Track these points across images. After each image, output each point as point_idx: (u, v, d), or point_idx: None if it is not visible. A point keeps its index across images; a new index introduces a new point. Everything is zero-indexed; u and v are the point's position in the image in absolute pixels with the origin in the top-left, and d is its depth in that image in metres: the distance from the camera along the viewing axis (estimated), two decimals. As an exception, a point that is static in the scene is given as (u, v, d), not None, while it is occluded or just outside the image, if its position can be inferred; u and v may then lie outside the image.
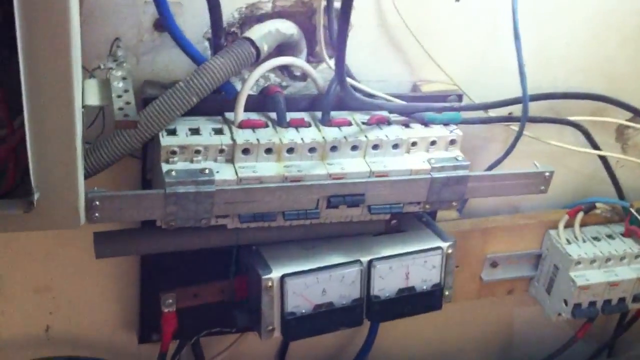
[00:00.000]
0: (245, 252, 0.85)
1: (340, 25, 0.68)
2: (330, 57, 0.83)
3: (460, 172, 0.83)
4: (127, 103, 0.59)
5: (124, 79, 0.63)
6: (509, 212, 1.07)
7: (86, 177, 0.71)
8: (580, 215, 1.04)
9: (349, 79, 0.83)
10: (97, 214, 0.69)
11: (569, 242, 1.02)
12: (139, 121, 0.67)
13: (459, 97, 0.91)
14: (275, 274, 0.80)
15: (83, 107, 0.60)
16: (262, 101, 0.81)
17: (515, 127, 0.92)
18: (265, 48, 0.78)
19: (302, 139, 0.78)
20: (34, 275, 0.90)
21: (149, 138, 0.74)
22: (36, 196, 0.54)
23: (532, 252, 1.06)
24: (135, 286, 0.92)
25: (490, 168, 0.95)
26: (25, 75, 0.50)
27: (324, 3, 0.82)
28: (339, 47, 0.68)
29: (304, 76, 0.86)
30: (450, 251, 0.88)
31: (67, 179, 0.56)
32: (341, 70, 0.70)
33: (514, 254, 1.05)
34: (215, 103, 0.79)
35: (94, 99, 0.61)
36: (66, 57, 0.52)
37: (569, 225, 1.04)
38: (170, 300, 0.82)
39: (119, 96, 0.60)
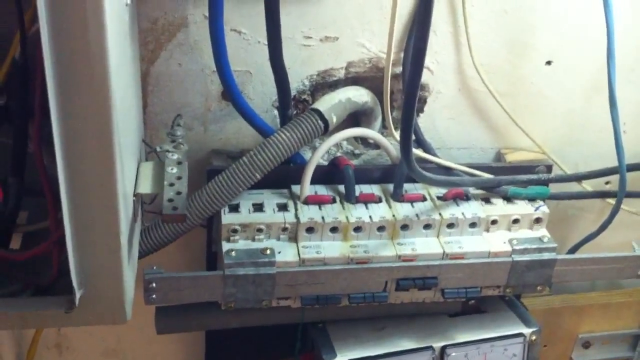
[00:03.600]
0: (311, 329, 0.80)
1: (407, 95, 0.62)
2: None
3: (546, 255, 0.75)
4: (178, 193, 0.57)
5: (179, 163, 0.60)
6: (606, 287, 0.98)
7: (142, 256, 0.70)
8: (686, 295, 0.94)
9: (417, 152, 0.78)
10: (154, 296, 0.67)
11: (672, 324, 0.92)
12: (188, 214, 0.65)
13: (548, 168, 0.83)
14: (340, 358, 0.75)
15: (135, 195, 0.58)
16: (331, 173, 0.77)
17: (612, 200, 0.84)
18: (334, 120, 0.74)
19: (370, 217, 0.73)
20: (102, 338, 0.89)
21: (211, 214, 0.72)
22: (78, 295, 0.52)
23: (630, 332, 0.96)
24: (202, 354, 0.89)
25: (582, 243, 0.87)
26: (63, 165, 0.48)
27: (392, 69, 0.76)
28: (404, 122, 0.63)
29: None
30: (534, 338, 0.80)
31: (111, 275, 0.53)
32: (407, 147, 0.64)
33: (609, 333, 0.96)
34: (283, 174, 0.76)
35: (146, 186, 0.59)
36: (109, 143, 0.49)
37: (673, 305, 0.94)
38: (231, 379, 0.79)
39: (171, 184, 0.58)
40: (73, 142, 0.48)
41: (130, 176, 0.58)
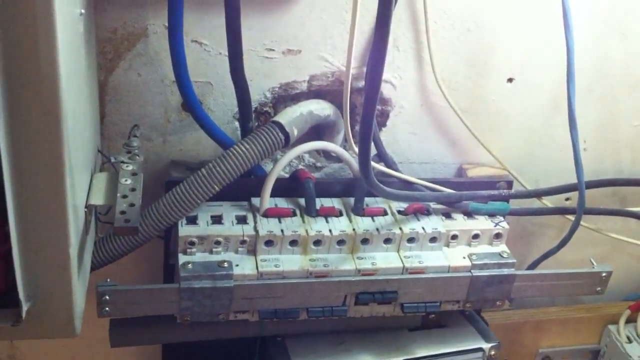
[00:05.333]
0: (269, 343, 0.79)
1: (365, 109, 0.62)
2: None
3: (505, 271, 0.75)
4: (131, 205, 0.56)
5: (133, 174, 0.60)
6: (566, 303, 0.99)
7: (96, 268, 0.68)
8: (644, 311, 0.95)
9: (378, 166, 0.78)
10: (107, 309, 0.66)
11: (629, 340, 0.93)
12: (141, 226, 0.65)
13: (509, 184, 0.84)
14: (298, 373, 0.75)
15: (87, 206, 0.57)
16: (292, 186, 0.77)
17: (571, 216, 0.84)
18: (295, 132, 0.74)
19: (330, 230, 0.73)
20: (55, 352, 0.87)
21: (168, 226, 0.71)
22: (25, 308, 0.51)
23: (589, 347, 0.97)
24: (159, 367, 0.88)
25: (542, 259, 0.87)
26: (9, 175, 0.47)
27: (354, 83, 0.76)
28: (362, 136, 0.63)
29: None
30: (493, 352, 0.80)
31: (60, 288, 0.53)
32: (365, 161, 0.64)
33: (569, 349, 0.97)
34: (243, 186, 0.75)
35: (98, 198, 0.58)
36: (58, 153, 0.48)
37: (630, 320, 0.95)
38: (187, 394, 0.78)
39: (124, 196, 0.57)
40: (21, 152, 0.47)
41: (82, 187, 0.57)
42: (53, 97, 0.46)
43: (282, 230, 0.71)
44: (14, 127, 0.46)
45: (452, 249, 0.77)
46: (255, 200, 0.75)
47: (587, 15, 0.81)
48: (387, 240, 0.74)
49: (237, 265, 0.70)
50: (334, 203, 0.77)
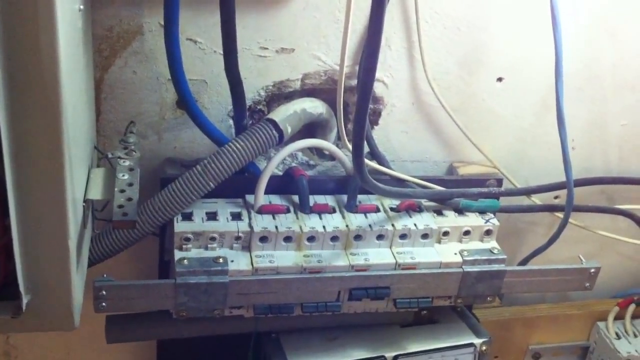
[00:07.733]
0: (264, 339, 0.80)
1: (358, 107, 0.62)
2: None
3: (496, 267, 0.77)
4: (129, 199, 0.57)
5: (130, 170, 0.60)
6: (555, 300, 1.00)
7: (92, 263, 0.69)
8: (632, 307, 0.97)
9: (371, 164, 0.79)
10: (104, 304, 0.67)
11: (618, 336, 0.95)
12: (138, 221, 0.65)
13: (499, 182, 0.85)
14: (292, 368, 0.76)
15: (85, 201, 0.58)
16: (286, 183, 0.78)
17: (560, 214, 0.86)
18: (289, 130, 0.75)
19: (324, 227, 0.73)
20: (52, 348, 0.88)
21: (163, 223, 0.71)
22: (25, 300, 0.52)
23: (578, 344, 0.98)
24: (153, 364, 0.89)
25: (532, 256, 0.89)
26: (10, 169, 0.47)
27: (347, 81, 0.78)
28: (356, 134, 0.63)
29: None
30: (484, 348, 0.81)
31: (59, 281, 0.53)
32: (359, 158, 0.65)
33: (559, 345, 0.98)
34: (237, 184, 0.76)
35: (96, 193, 0.58)
36: (58, 149, 0.48)
37: (619, 317, 0.97)
38: (182, 390, 0.78)
39: (122, 191, 0.58)
40: (21, 147, 0.48)
41: (80, 182, 0.57)
42: (54, 91, 0.47)
43: (276, 227, 0.72)
44: (15, 120, 0.47)
45: (444, 245, 0.78)
46: (249, 197, 0.76)
47: (578, 16, 0.83)
48: (380, 237, 0.75)
49: (232, 261, 0.70)
50: (327, 200, 0.78)
